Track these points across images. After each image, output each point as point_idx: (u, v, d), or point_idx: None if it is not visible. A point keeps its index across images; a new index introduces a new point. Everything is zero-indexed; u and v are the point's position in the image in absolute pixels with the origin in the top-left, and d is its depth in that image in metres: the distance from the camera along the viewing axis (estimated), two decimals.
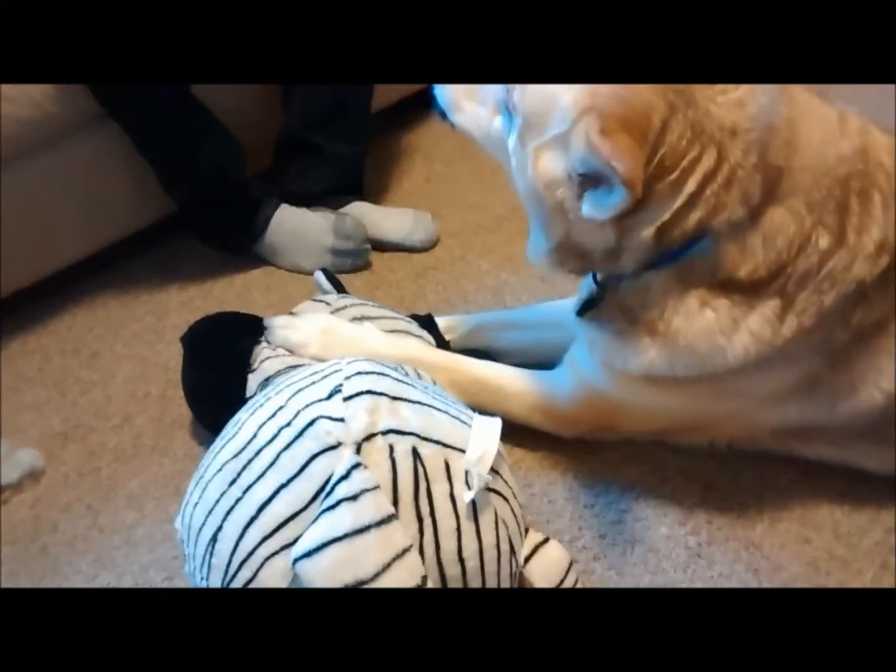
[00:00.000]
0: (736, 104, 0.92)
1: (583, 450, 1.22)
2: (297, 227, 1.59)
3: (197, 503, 0.92)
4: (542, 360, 1.27)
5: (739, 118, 0.91)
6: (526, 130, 0.96)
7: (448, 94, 1.07)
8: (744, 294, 0.98)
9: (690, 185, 0.91)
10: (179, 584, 1.10)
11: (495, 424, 0.93)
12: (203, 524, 0.90)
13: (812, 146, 0.96)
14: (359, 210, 1.63)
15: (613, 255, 0.99)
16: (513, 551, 0.94)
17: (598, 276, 1.08)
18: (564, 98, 0.90)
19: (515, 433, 1.18)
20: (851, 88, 1.92)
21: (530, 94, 0.95)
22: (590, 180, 0.91)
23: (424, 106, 1.97)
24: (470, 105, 1.05)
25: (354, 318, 1.23)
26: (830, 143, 0.96)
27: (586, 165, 0.90)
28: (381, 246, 1.63)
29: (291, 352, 1.17)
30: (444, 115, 1.11)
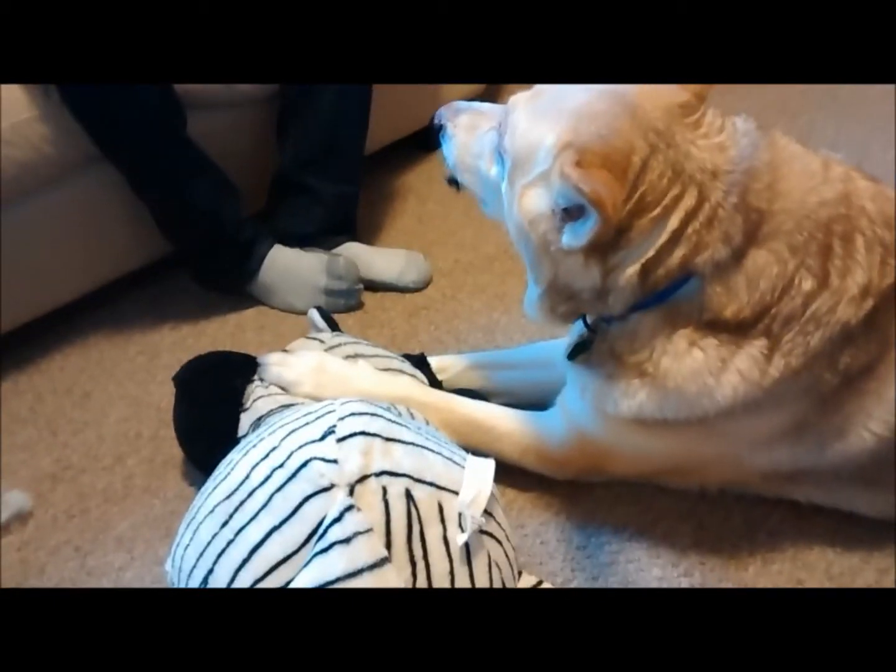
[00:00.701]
0: (717, 147, 0.95)
1: (575, 490, 1.22)
2: (290, 267, 1.60)
3: (188, 545, 0.91)
4: (534, 400, 1.27)
5: (720, 160, 0.95)
6: (514, 170, 1.00)
7: (454, 153, 1.13)
8: (731, 334, 0.99)
9: (673, 222, 0.94)
10: None
11: (489, 466, 0.93)
12: (194, 566, 0.89)
13: (794, 191, 0.98)
14: (352, 250, 1.65)
15: (601, 296, 1.00)
16: None
17: (588, 320, 1.09)
18: (548, 138, 0.95)
19: (507, 473, 1.18)
20: (836, 131, 1.99)
21: (518, 136, 0.99)
22: (570, 214, 0.95)
23: (417, 148, 2.03)
24: (472, 160, 1.10)
25: (348, 357, 1.23)
26: (812, 189, 0.99)
27: (564, 197, 0.94)
28: (373, 286, 1.65)
29: (284, 390, 1.18)
30: (452, 183, 1.17)
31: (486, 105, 1.14)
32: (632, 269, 0.96)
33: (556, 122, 0.95)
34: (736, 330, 0.98)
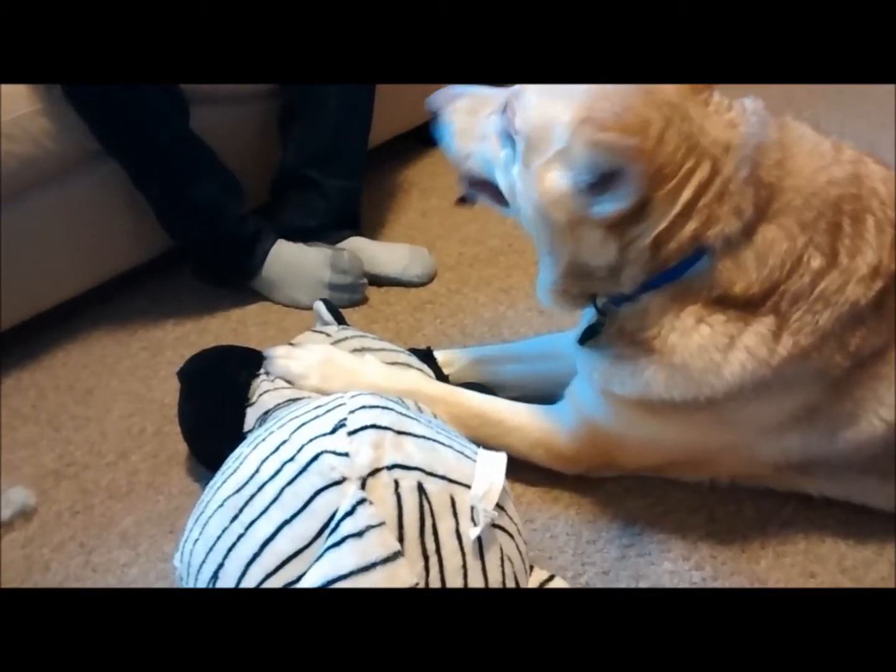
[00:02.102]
0: (728, 123, 0.96)
1: (584, 483, 1.21)
2: (293, 262, 1.59)
3: (197, 540, 0.90)
4: (540, 393, 1.26)
5: (732, 135, 0.95)
6: (529, 151, 0.98)
7: (455, 138, 1.09)
8: (739, 311, 0.98)
9: (686, 194, 0.93)
10: None
11: (500, 459, 0.92)
12: (203, 561, 0.88)
13: (804, 169, 0.98)
14: (356, 245, 1.64)
15: (614, 273, 1.00)
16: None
17: (599, 304, 1.08)
18: (563, 115, 0.94)
19: (516, 467, 1.16)
20: (842, 122, 1.98)
21: (531, 116, 0.98)
22: (596, 186, 0.93)
23: (420, 142, 2.02)
24: (475, 144, 1.08)
25: (355, 350, 1.22)
26: (823, 168, 0.98)
27: (592, 168, 0.92)
28: (377, 281, 1.64)
29: (291, 384, 1.17)
30: (464, 201, 1.15)
31: (484, 88, 1.11)
32: (644, 243, 0.96)
33: (571, 100, 0.94)
34: (744, 307, 0.98)
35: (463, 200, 1.16)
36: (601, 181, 0.93)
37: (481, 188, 1.12)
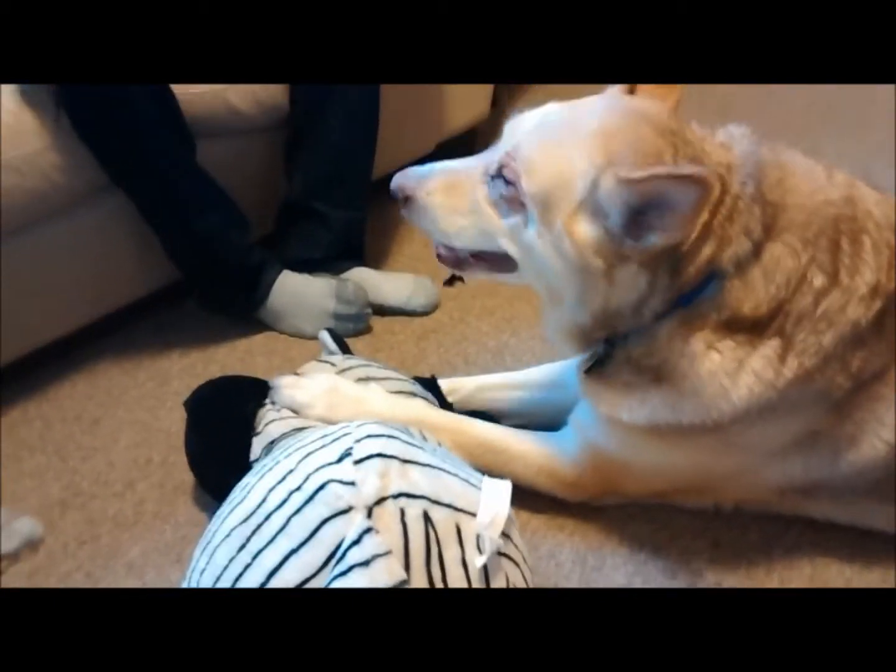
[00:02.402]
0: (722, 146, 0.98)
1: (589, 510, 1.22)
2: (298, 292, 1.60)
3: (204, 569, 0.90)
4: (545, 421, 1.27)
5: (730, 156, 0.97)
6: (547, 210, 0.95)
7: (437, 219, 1.04)
8: (746, 334, 0.99)
9: (704, 214, 0.93)
10: None
11: (505, 487, 0.93)
12: None
13: (801, 188, 0.99)
14: (360, 275, 1.65)
15: (638, 309, 1.00)
16: None
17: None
18: (578, 163, 0.93)
19: (520, 494, 1.16)
20: (837, 152, 2.00)
21: (540, 174, 0.95)
22: (635, 222, 0.91)
23: None
24: (464, 221, 1.03)
25: (360, 379, 1.23)
26: (819, 188, 1.00)
27: (627, 207, 0.90)
28: (382, 310, 1.65)
29: (296, 413, 1.17)
30: (455, 279, 1.11)
31: (454, 162, 1.05)
32: (665, 270, 0.96)
33: (580, 148, 0.93)
34: (751, 330, 0.98)
35: (451, 282, 1.13)
36: (636, 218, 0.91)
37: (475, 261, 1.09)
